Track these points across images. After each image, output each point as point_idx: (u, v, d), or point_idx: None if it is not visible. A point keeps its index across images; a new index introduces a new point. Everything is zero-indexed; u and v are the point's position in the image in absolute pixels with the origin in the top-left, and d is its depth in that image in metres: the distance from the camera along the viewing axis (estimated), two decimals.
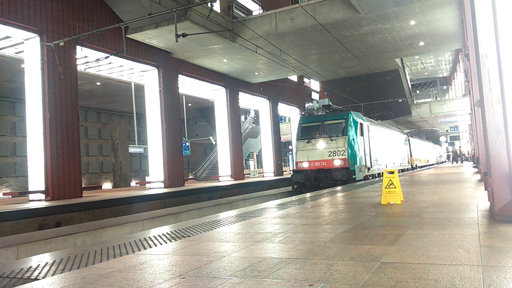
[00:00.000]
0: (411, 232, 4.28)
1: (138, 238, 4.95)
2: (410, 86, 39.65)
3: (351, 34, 19.52)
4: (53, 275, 3.27)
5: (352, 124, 16.86)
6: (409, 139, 31.00)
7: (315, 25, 17.69)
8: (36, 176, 15.32)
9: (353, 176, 15.83)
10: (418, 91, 55.38)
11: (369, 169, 18.02)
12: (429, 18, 18.22)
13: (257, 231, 5.00)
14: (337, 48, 21.69)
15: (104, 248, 4.32)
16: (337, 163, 16.11)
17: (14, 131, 25.67)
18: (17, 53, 17.57)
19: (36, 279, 3.17)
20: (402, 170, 26.89)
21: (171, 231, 5.35)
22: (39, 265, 3.69)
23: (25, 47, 15.88)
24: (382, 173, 17.55)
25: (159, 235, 5.05)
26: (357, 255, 3.34)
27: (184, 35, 14.02)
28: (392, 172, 7.15)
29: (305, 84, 37.99)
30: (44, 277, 3.22)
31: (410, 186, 11.56)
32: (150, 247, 4.30)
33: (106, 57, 16.86)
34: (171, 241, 4.58)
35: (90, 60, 19.56)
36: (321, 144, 16.65)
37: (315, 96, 39.67)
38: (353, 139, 16.55)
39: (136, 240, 4.75)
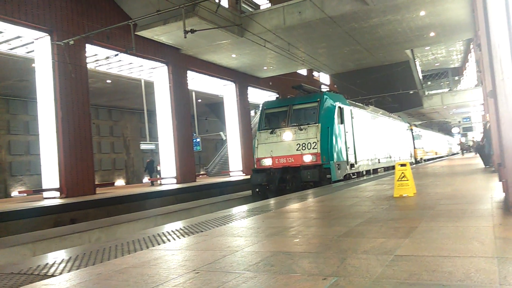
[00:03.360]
0: (424, 225, 4.26)
1: (151, 234, 5.00)
2: (421, 78, 39.21)
3: (360, 26, 19.35)
4: (69, 271, 3.32)
5: (327, 108, 13.31)
6: (411, 129, 27.36)
7: (323, 18, 17.57)
8: (50, 174, 15.53)
9: (328, 176, 12.51)
10: (429, 82, 54.75)
11: (352, 165, 14.34)
12: (439, 8, 17.98)
13: (270, 226, 5.01)
14: (346, 41, 21.53)
15: (118, 244, 4.38)
16: (308, 159, 12.68)
17: (27, 130, 25.98)
18: (28, 52, 17.74)
19: (53, 275, 3.22)
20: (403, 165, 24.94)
21: (184, 227, 5.39)
22: (55, 261, 3.75)
23: (35, 46, 16.04)
24: (372, 170, 16.59)
25: (172, 231, 5.09)
26: (370, 249, 3.34)
27: (192, 31, 14.03)
28: (404, 165, 7.10)
29: (314, 77, 37.81)
30: (60, 273, 3.27)
31: (423, 178, 11.48)
32: (164, 242, 4.34)
33: (116, 55, 16.97)
34: (184, 237, 4.61)
35: (100, 58, 19.69)
36: (287, 135, 13.15)
37: (324, 89, 39.43)
38: (329, 127, 12.96)
39: (150, 236, 4.80)
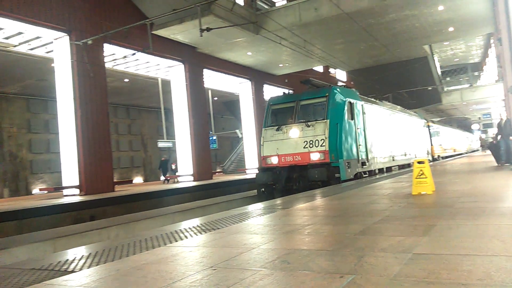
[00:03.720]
0: (443, 223, 4.20)
1: (169, 230, 5.05)
2: (440, 73, 38.59)
3: (377, 22, 19.14)
4: (89, 267, 3.38)
5: (337, 103, 12.63)
6: (428, 125, 26.35)
7: (340, 14, 17.43)
8: (70, 171, 15.81)
9: (337, 175, 11.89)
10: (448, 78, 53.82)
11: (364, 163, 13.70)
12: (458, 3, 17.65)
13: (286, 223, 5.02)
14: (363, 37, 21.32)
15: (137, 241, 4.43)
16: (315, 157, 12.03)
17: (47, 129, 26.49)
18: (47, 52, 18.07)
19: (73, 271, 3.28)
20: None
21: (201, 224, 5.43)
22: (75, 258, 3.82)
23: (55, 46, 16.33)
24: (386, 168, 15.99)
25: (189, 228, 5.13)
26: (388, 247, 3.31)
27: (208, 29, 14.09)
28: (422, 162, 7.01)
29: (330, 74, 37.55)
30: (80, 269, 3.33)
31: (441, 176, 11.31)
32: (181, 239, 4.38)
33: (133, 54, 17.16)
34: (201, 234, 4.65)
35: (117, 57, 19.93)
36: (294, 132, 12.50)
37: (340, 84, 39.13)
38: (339, 123, 12.33)
39: (168, 233, 4.85)
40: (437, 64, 36.46)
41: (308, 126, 12.29)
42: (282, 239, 3.99)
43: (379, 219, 4.77)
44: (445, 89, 40.66)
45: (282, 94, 14.53)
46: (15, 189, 24.63)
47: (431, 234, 3.70)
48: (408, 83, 30.10)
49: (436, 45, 34.59)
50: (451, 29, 21.36)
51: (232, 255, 3.42)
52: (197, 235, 4.60)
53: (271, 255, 3.30)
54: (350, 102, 13.22)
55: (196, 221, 5.81)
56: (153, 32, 18.00)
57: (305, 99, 13.06)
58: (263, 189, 12.74)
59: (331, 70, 37.41)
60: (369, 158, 14.13)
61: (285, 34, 18.87)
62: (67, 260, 3.75)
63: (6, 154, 24.56)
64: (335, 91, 12.89)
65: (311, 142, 12.16)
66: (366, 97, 15.95)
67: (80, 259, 3.72)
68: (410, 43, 23.48)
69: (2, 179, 24.16)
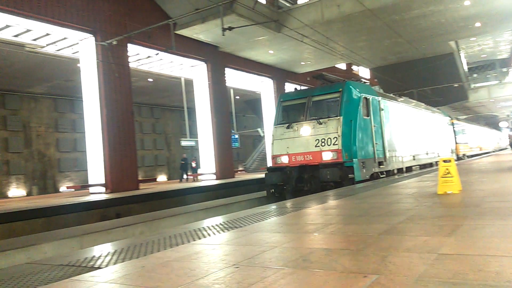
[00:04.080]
0: (470, 223, 4.11)
1: (192, 228, 5.10)
2: (466, 70, 37.67)
3: (402, 18, 18.83)
4: (115, 263, 3.45)
5: (351, 99, 11.91)
6: (453, 123, 25.33)
7: (363, 10, 17.22)
8: (96, 170, 16.15)
9: (350, 176, 11.17)
10: (475, 75, 52.48)
11: (381, 163, 12.92)
12: None
13: (308, 222, 5.00)
14: (387, 33, 21.02)
15: (161, 238, 4.50)
16: (327, 156, 11.35)
17: (74, 128, 27.13)
18: (73, 53, 18.50)
19: (99, 267, 3.36)
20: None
21: (223, 222, 5.46)
22: (101, 254, 3.90)
23: (80, 47, 16.69)
24: (406, 168, 15.16)
25: (212, 226, 5.17)
26: (412, 247, 3.26)
27: (230, 28, 14.15)
28: (448, 161, 6.87)
29: (353, 71, 37.17)
30: (106, 265, 3.41)
31: (468, 175, 11.06)
32: (204, 237, 4.42)
33: (157, 54, 17.38)
34: (223, 232, 4.68)
35: (141, 57, 20.22)
36: (305, 129, 11.90)
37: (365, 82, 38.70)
38: (353, 120, 11.63)
39: (191, 231, 4.90)
40: (464, 61, 35.57)
41: (320, 123, 11.65)
42: (304, 238, 3.98)
43: (403, 218, 4.70)
44: (472, 86, 39.67)
45: (294, 90, 14.05)
46: (43, 187, 25.33)
47: (458, 234, 3.62)
48: (433, 80, 29.48)
49: (463, 41, 33.77)
50: (478, 24, 20.81)
51: (254, 253, 3.43)
52: (219, 233, 4.64)
53: (293, 254, 3.30)
54: (365, 98, 12.53)
55: (218, 219, 5.85)
56: (176, 32, 18.18)
57: (317, 94, 12.43)
58: (272, 190, 12.16)
59: (354, 68, 37.02)
60: (387, 157, 13.32)
61: (307, 31, 18.77)
62: (94, 256, 3.83)
63: (35, 153, 25.27)
64: (350, 86, 12.15)
65: (323, 140, 11.51)
66: (384, 93, 15.14)
67: (106, 256, 3.80)
68: (436, 39, 22.99)
69: (30, 177, 24.87)
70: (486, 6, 18.25)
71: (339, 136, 11.26)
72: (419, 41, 23.09)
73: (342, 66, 33.98)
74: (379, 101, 13.51)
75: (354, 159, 11.26)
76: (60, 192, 25.23)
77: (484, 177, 9.87)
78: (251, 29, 17.95)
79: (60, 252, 6.85)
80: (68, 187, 24.29)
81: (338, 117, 11.48)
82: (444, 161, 6.91)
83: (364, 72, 39.49)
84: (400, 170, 14.69)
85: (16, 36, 16.24)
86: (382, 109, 13.56)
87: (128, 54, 17.48)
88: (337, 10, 17.89)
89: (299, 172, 11.69)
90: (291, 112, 12.84)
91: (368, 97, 12.67)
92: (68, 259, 3.79)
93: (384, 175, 13.08)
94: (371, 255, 3.09)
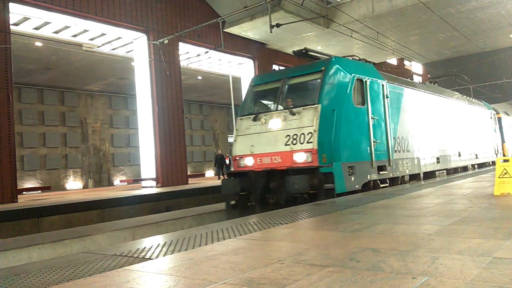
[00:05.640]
0: None
1: (238, 223, 5.17)
2: None
3: (458, 10, 18.00)
4: (164, 255, 3.58)
5: (336, 81, 8.95)
6: (500, 118, 21.00)
7: (416, 3, 16.63)
8: (148, 164, 16.73)
9: (327, 186, 8.14)
10: None
11: (382, 168, 9.75)
12: None
13: (355, 221, 4.92)
14: (441, 27, 20.18)
15: (208, 232, 4.60)
16: (300, 158, 8.42)
17: (127, 124, 28.26)
18: (127, 52, 19.23)
19: (150, 258, 3.49)
20: (482, 165, 17.50)
21: (269, 218, 5.48)
22: (152, 246, 4.05)
23: (134, 46, 17.32)
24: (423, 174, 11.92)
25: (258, 221, 5.21)
26: (465, 249, 3.13)
27: (278, 25, 14.13)
28: (507, 161, 6.51)
29: (405, 67, 36.01)
30: (157, 257, 3.53)
31: None
32: (250, 232, 4.47)
33: (206, 52, 17.70)
34: (269, 227, 4.70)
35: (191, 56, 20.67)
36: (275, 122, 8.97)
37: (416, 79, 37.39)
38: (337, 110, 8.67)
39: (237, 225, 4.97)
40: None
41: (293, 114, 8.73)
42: (351, 237, 3.93)
43: (456, 220, 4.52)
44: None
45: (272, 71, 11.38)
46: (98, 180, 26.59)
47: None
48: (492, 75, 27.97)
49: None
50: None
51: (300, 250, 3.43)
52: (265, 228, 4.67)
53: (340, 253, 3.27)
54: (359, 80, 9.45)
55: (266, 215, 5.88)
56: (225, 30, 18.42)
57: (294, 76, 9.55)
58: (234, 202, 9.35)
59: (406, 63, 35.85)
60: (391, 160, 10.10)
61: (357, 26, 18.39)
62: (145, 248, 3.98)
63: (91, 148, 26.56)
64: (335, 64, 9.16)
65: (295, 136, 8.57)
66: (394, 75, 12.05)
67: (156, 247, 3.94)
68: (495, 32, 21.80)
69: (87, 170, 26.18)
70: None
71: (314, 131, 8.32)
72: (476, 35, 22.00)
73: (393, 61, 33.02)
74: (383, 85, 10.27)
75: (335, 163, 8.36)
76: (114, 185, 26.39)
77: None
78: (299, 25, 17.83)
79: (114, 242, 7.17)
80: (121, 181, 25.37)
81: (316, 105, 8.53)
82: (504, 160, 6.57)
83: (416, 67, 38.14)
84: (414, 177, 11.50)
85: (74, 36, 17.13)
86: (388, 96, 10.36)
87: (179, 52, 17.92)
88: (388, 4, 17.38)
89: (265, 179, 8.75)
90: (261, 100, 10.25)
91: (363, 79, 9.56)
92: (121, 250, 3.97)
93: (386, 184, 9.98)
94: (420, 256, 3.00)
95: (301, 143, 8.44)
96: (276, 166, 8.73)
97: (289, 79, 9.50)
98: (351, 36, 18.70)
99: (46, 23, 15.76)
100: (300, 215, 5.62)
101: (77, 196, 14.25)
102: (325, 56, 10.47)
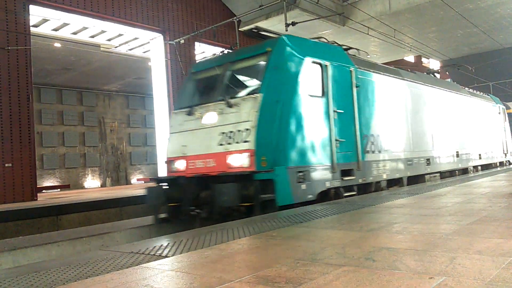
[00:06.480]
0: None
1: (254, 221, 5.18)
2: None
3: (477, 6, 17.68)
4: (181, 253, 3.61)
5: (284, 65, 7.31)
6: (510, 113, 19.55)
7: (433, 0, 16.37)
8: (164, 164, 16.87)
9: (266, 196, 6.51)
10: None
11: (347, 172, 8.10)
12: None
13: (372, 220, 4.88)
14: (459, 24, 19.84)
15: (224, 230, 4.62)
16: (235, 161, 6.86)
17: (144, 123, 28.57)
18: (144, 52, 19.42)
19: (166, 256, 3.53)
20: (486, 166, 15.93)
21: (287, 216, 5.47)
22: (168, 243, 4.09)
23: (151, 46, 17.49)
24: (409, 178, 10.12)
25: (277, 218, 5.21)
26: (484, 249, 3.08)
27: (293, 23, 14.10)
28: None
29: (423, 64, 35.53)
30: (173, 254, 3.57)
31: None
32: (266, 230, 4.47)
33: (221, 52, 17.74)
34: (287, 225, 4.70)
35: (207, 55, 20.75)
36: (210, 117, 7.44)
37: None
38: (283, 101, 7.06)
39: (253, 224, 4.98)
40: None
41: (231, 106, 7.14)
42: (368, 236, 3.90)
43: (475, 219, 4.45)
44: None
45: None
46: (116, 179, 26.95)
47: None
48: (511, 72, 27.42)
49: None
50: None
51: (315, 249, 3.42)
52: (284, 227, 4.66)
53: (356, 252, 3.25)
54: (317, 64, 7.73)
55: (288, 212, 5.86)
56: (240, 29, 18.45)
57: (237, 60, 7.99)
58: (162, 216, 7.73)
59: (424, 60, 35.38)
60: (360, 162, 8.39)
61: (373, 24, 18.21)
62: (161, 245, 4.03)
63: (109, 147, 26.93)
64: (284, 44, 7.50)
65: (230, 134, 6.99)
66: (368, 60, 10.19)
67: (172, 245, 3.98)
68: None
69: (104, 169, 26.55)
70: None
71: (252, 127, 6.72)
72: (496, 31, 21.57)
73: (411, 58, 32.62)
74: (351, 71, 8.48)
75: (278, 167, 6.72)
76: (131, 184, 26.71)
77: None
78: (315, 23, 17.74)
79: (131, 240, 7.26)
80: (138, 179, 25.65)
81: (256, 95, 6.93)
82: None
83: (434, 64, 37.62)
84: (395, 182, 9.79)
85: (92, 37, 17.39)
86: (358, 86, 8.62)
87: (195, 52, 18.03)
88: (405, 0, 17.18)
89: (197, 187, 7.15)
90: (200, 90, 8.63)
91: (322, 63, 7.82)
92: (137, 247, 4.02)
93: (354, 192, 8.27)
94: (438, 256, 2.97)
95: (237, 143, 6.86)
96: (209, 171, 7.16)
97: (232, 64, 7.96)
98: (368, 34, 18.53)
99: (65, 25, 16.04)
100: (316, 214, 5.60)
101: (95, 195, 14.46)
102: (278, 33, 8.73)
